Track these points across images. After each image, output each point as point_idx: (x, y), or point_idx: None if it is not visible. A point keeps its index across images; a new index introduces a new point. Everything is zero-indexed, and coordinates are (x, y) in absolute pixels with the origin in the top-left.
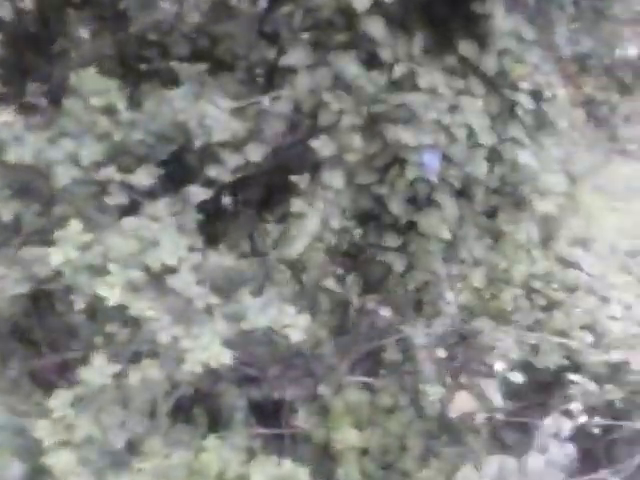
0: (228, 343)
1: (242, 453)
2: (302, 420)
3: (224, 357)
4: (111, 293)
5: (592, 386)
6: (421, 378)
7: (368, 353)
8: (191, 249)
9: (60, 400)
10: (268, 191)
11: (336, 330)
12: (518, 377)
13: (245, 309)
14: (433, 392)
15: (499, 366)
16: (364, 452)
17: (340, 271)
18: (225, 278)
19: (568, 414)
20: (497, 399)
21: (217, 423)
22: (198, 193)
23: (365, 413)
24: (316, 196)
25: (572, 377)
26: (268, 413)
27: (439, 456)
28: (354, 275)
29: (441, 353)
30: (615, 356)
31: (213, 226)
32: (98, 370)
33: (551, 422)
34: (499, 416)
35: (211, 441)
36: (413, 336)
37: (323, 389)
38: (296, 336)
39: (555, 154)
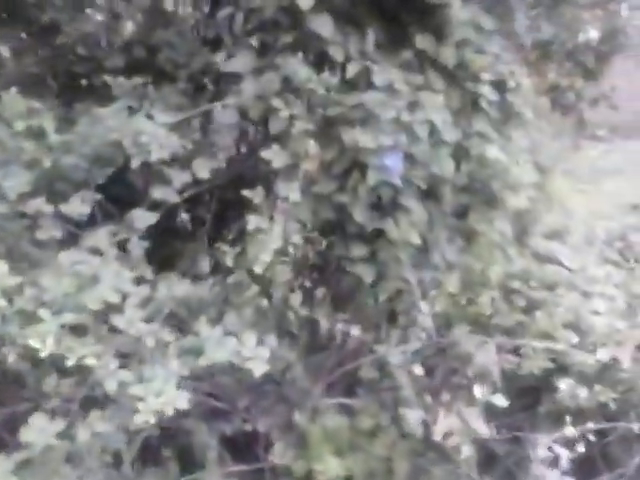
0: (189, 377)
1: None
2: (279, 452)
3: (180, 402)
4: (43, 344)
5: (581, 389)
6: (400, 400)
7: (343, 373)
8: (138, 281)
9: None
10: (223, 207)
11: (306, 351)
12: (501, 400)
13: (202, 342)
14: (413, 416)
15: (478, 392)
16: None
17: (308, 286)
18: (182, 307)
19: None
20: (481, 426)
21: (189, 463)
22: (144, 217)
23: (345, 438)
24: (273, 210)
25: (560, 381)
26: (242, 448)
27: (428, 476)
28: (324, 290)
29: (419, 370)
30: (602, 354)
31: (165, 252)
32: (39, 430)
33: (546, 451)
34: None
35: None
36: (387, 355)
37: (298, 416)
38: (259, 370)
39: (523, 145)
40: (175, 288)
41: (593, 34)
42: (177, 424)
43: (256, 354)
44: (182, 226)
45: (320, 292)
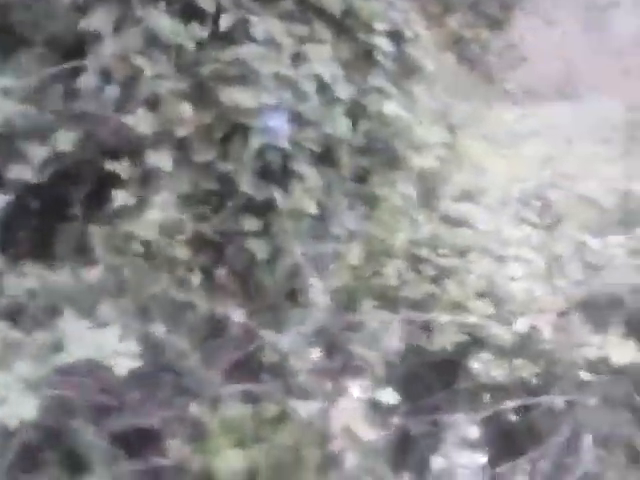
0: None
1: None
2: (176, 448)
3: (26, 411)
4: None
5: (499, 363)
6: (294, 391)
7: (246, 359)
8: None
9: None
10: (98, 184)
11: (202, 338)
12: (390, 397)
13: (61, 339)
14: (305, 409)
15: (357, 391)
16: (253, 473)
17: (208, 266)
18: (43, 299)
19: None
20: (364, 429)
21: (77, 466)
22: None
23: (248, 428)
24: (145, 184)
25: (475, 356)
26: (136, 445)
27: (338, 466)
28: (225, 270)
29: (316, 354)
30: (521, 324)
31: (26, 237)
32: None
33: (458, 426)
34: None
35: None
36: (280, 341)
37: (195, 408)
38: (123, 367)
39: (427, 103)
40: (33, 279)
41: None
42: (61, 424)
43: (122, 350)
44: (48, 207)
45: (221, 272)
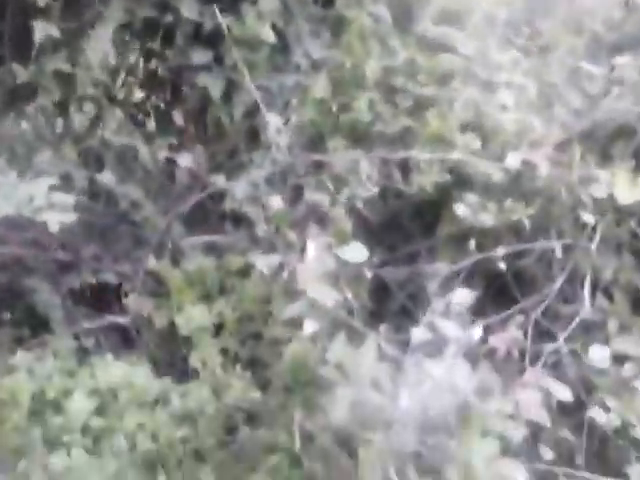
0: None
1: (68, 360)
2: (135, 304)
3: None
4: None
5: (487, 205)
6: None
7: (203, 207)
8: None
9: None
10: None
11: (157, 186)
12: (357, 252)
13: None
14: (264, 263)
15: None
16: (220, 327)
17: (163, 107)
18: None
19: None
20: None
21: (35, 327)
22: None
23: (213, 281)
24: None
25: (460, 197)
26: (94, 303)
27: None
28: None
29: (276, 201)
30: (513, 160)
31: None
32: None
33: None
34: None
35: (19, 357)
36: (234, 188)
37: (154, 261)
38: (55, 222)
39: None
40: None
41: None
42: (17, 283)
43: (56, 201)
44: None
45: (177, 114)
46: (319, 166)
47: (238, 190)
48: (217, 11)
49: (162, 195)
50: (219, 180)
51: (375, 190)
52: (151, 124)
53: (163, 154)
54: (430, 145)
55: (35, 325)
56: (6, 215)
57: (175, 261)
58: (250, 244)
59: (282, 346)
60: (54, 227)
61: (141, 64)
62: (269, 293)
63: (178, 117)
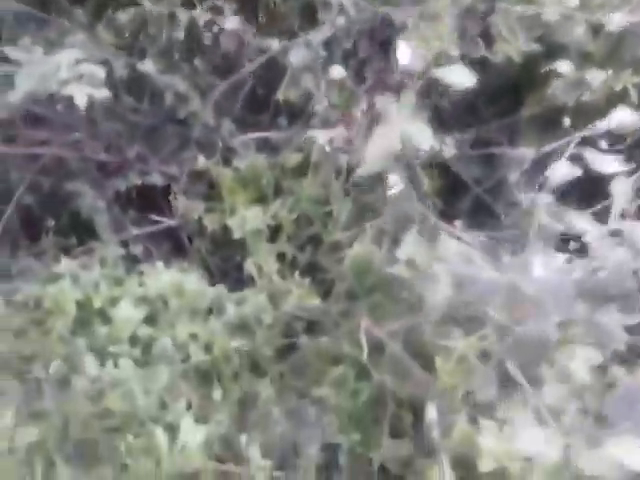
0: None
1: (115, 268)
2: (185, 208)
3: None
4: None
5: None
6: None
7: (258, 103)
8: None
9: None
10: None
11: (207, 75)
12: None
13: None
14: (324, 139)
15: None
16: (276, 230)
17: None
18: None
19: None
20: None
21: (81, 233)
22: None
23: (267, 179)
24: None
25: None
26: (141, 206)
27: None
28: None
29: (338, 71)
30: (615, 22)
31: None
32: None
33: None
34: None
35: (63, 265)
36: (291, 51)
37: (202, 160)
38: (81, 100)
39: None
40: None
41: None
42: (60, 188)
43: (84, 74)
44: None
45: None
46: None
47: (294, 55)
48: None
49: (207, 82)
50: (273, 44)
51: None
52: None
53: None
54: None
55: (81, 232)
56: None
57: (226, 160)
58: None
59: (343, 250)
60: (81, 101)
61: None
62: (328, 193)
63: None
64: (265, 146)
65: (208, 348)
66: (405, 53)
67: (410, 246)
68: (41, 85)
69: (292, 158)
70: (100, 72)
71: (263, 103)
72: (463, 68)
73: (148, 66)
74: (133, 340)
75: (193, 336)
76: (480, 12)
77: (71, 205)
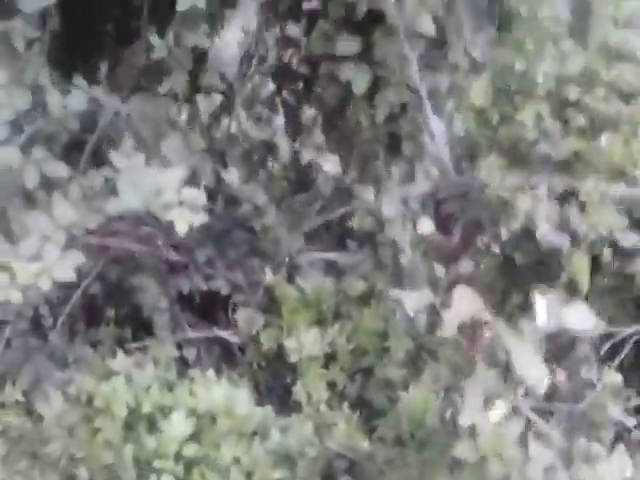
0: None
1: (168, 370)
2: (244, 318)
3: (63, 271)
4: None
5: None
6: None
7: (330, 221)
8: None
9: None
10: None
11: (283, 191)
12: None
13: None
14: (413, 299)
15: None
16: (330, 358)
17: (292, 103)
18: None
19: None
20: None
21: (139, 328)
22: None
23: (329, 304)
24: None
25: None
26: (201, 310)
27: (432, 360)
28: (312, 108)
29: (427, 225)
30: None
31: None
32: None
33: None
34: None
35: (118, 362)
36: (382, 202)
37: (269, 274)
38: (184, 224)
39: None
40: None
41: None
42: (124, 278)
43: (186, 198)
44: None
45: (307, 112)
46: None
47: (387, 208)
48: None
49: (288, 202)
50: (367, 194)
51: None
52: (279, 120)
53: (304, 157)
54: (607, 176)
55: (138, 327)
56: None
57: (290, 276)
58: (374, 268)
59: (396, 389)
60: (182, 228)
61: (274, 52)
62: (388, 327)
63: (309, 114)
64: (331, 268)
65: (249, 475)
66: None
67: (472, 412)
68: (144, 205)
69: (357, 286)
70: (202, 197)
71: (335, 224)
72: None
73: (231, 175)
74: (178, 457)
75: (236, 460)
76: None
77: (134, 299)
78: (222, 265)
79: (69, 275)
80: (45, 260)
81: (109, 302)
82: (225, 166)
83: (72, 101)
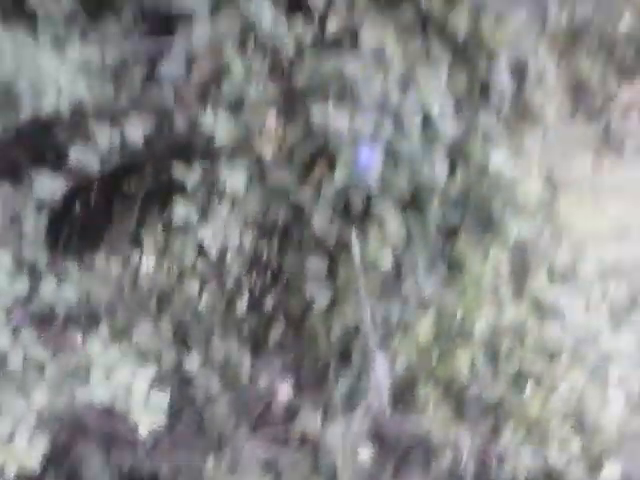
0: None
1: None
2: None
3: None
4: None
5: None
6: None
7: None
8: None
9: None
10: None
11: (231, 386)
12: None
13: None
14: None
15: None
16: None
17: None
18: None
19: None
20: None
21: None
22: (49, 184)
23: None
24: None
25: None
26: None
27: None
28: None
29: (365, 454)
30: (610, 471)
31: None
32: None
33: None
34: None
35: None
36: (326, 431)
37: (212, 464)
38: (145, 429)
39: (536, 155)
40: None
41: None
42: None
43: (151, 402)
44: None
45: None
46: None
47: (334, 438)
48: (353, 235)
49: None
50: (311, 422)
51: None
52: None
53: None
54: (525, 425)
55: None
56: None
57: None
58: (311, 471)
59: None
60: (144, 431)
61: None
62: None
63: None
64: (270, 466)
65: None
66: None
67: None
68: (111, 402)
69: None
70: (165, 401)
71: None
72: None
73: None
74: None
75: None
76: None
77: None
78: (166, 444)
79: (34, 464)
80: (16, 444)
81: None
82: (188, 350)
83: (65, 294)
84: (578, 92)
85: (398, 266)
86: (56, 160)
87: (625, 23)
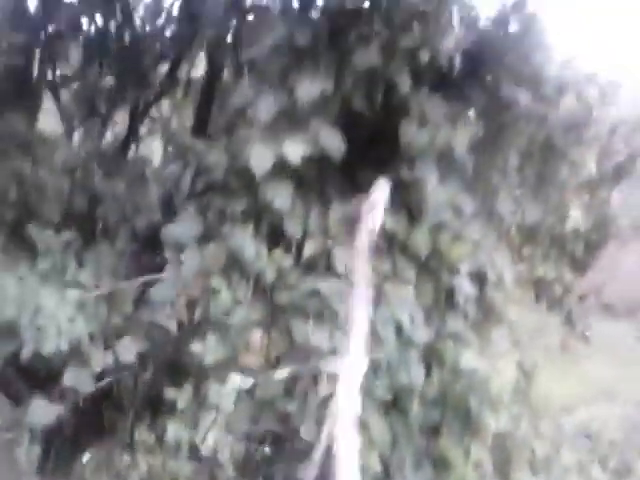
0: None
1: None
2: None
3: None
4: None
5: None
6: None
7: None
8: None
9: None
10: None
11: None
12: None
13: None
14: None
15: None
16: None
17: None
18: None
19: None
20: None
21: None
22: (43, 411)
23: None
24: (198, 415)
25: None
26: None
27: None
28: None
29: None
30: None
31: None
32: None
33: None
34: None
35: None
36: None
37: None
38: None
39: (504, 349)
40: None
41: (581, 220)
42: None
43: None
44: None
45: None
46: None
47: None
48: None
49: None
50: None
51: None
52: None
53: None
54: None
55: None
56: None
57: None
58: None
59: None
60: None
61: None
62: None
63: None
64: None
65: None
66: None
67: None
68: None
69: None
70: None
71: None
72: None
73: None
74: None
75: None
76: None
77: None
78: None
79: None
80: None
81: None
82: None
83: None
84: (538, 285)
85: (387, 466)
86: (51, 383)
87: (572, 221)
